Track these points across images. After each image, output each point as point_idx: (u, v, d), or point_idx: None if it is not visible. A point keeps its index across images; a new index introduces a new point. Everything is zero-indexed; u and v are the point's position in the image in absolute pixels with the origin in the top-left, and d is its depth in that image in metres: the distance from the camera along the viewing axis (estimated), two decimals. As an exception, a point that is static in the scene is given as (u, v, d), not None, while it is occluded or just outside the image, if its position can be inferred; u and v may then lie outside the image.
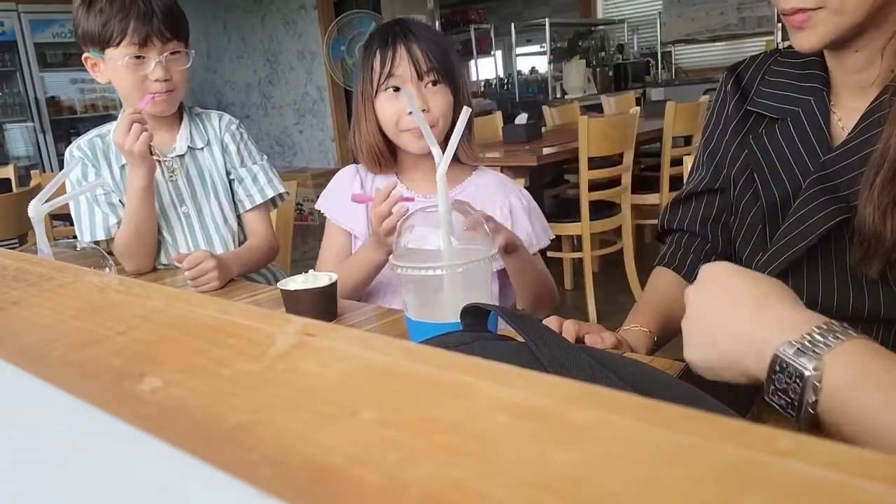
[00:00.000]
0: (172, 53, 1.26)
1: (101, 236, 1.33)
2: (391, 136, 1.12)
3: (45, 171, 4.12)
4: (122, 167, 1.33)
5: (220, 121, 1.40)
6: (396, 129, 1.10)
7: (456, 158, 1.03)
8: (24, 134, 5.43)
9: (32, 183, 2.45)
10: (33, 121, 5.35)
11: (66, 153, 1.38)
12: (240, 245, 1.40)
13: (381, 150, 1.14)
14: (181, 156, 1.36)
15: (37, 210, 1.00)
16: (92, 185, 1.32)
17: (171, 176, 1.36)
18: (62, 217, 2.43)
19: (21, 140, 5.45)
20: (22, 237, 2.36)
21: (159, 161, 1.35)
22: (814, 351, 0.48)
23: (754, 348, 0.51)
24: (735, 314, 0.54)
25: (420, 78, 1.08)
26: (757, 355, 0.51)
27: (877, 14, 0.72)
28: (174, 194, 1.37)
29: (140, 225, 1.29)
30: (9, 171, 2.61)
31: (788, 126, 0.86)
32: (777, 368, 0.49)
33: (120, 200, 1.33)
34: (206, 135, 1.39)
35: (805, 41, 0.75)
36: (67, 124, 5.55)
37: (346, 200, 1.17)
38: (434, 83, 1.09)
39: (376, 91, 1.10)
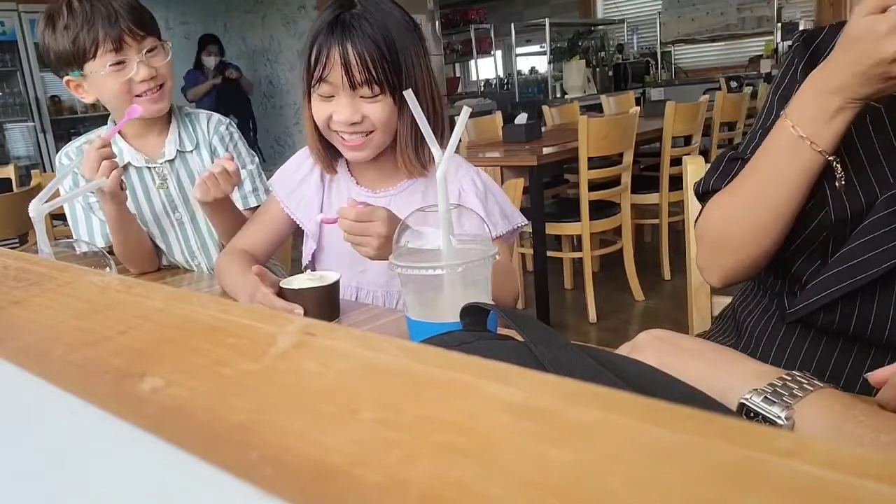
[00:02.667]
0: (150, 50, 1.22)
1: (99, 243, 1.33)
2: (326, 136, 1.05)
3: (45, 171, 4.12)
4: None
5: (208, 122, 1.38)
6: (328, 131, 1.03)
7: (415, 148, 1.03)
8: (25, 134, 5.43)
9: (33, 183, 2.45)
10: (34, 120, 5.35)
11: (56, 160, 1.36)
12: None
13: (319, 150, 1.09)
14: (171, 160, 1.34)
15: (37, 210, 1.00)
16: (91, 185, 1.32)
17: (163, 184, 1.34)
18: (62, 217, 2.42)
19: (21, 140, 5.45)
20: (22, 237, 2.36)
21: (149, 168, 1.34)
22: (783, 400, 0.48)
23: (717, 395, 0.50)
24: (693, 365, 0.54)
25: (353, 88, 0.97)
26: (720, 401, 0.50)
27: None
28: (166, 202, 1.36)
29: (126, 238, 1.29)
30: (9, 171, 2.60)
31: (882, 116, 0.73)
32: (743, 416, 0.49)
33: None
34: (195, 137, 1.36)
35: None
36: (68, 124, 5.55)
37: (301, 186, 1.14)
38: (371, 95, 0.98)
39: (310, 89, 1.02)
